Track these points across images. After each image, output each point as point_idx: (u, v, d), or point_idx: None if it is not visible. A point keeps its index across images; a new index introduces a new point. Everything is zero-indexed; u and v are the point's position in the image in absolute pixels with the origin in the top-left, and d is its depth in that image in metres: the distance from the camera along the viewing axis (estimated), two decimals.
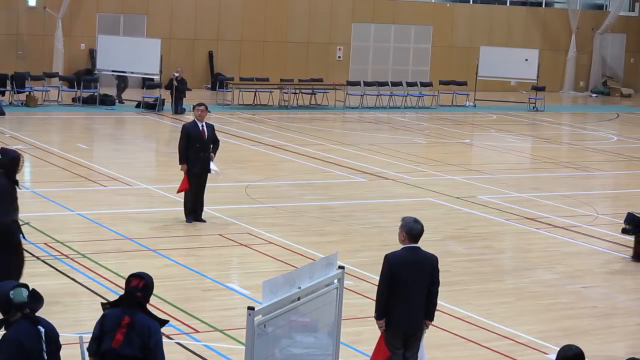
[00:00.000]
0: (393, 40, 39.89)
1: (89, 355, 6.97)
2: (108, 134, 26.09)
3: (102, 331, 6.95)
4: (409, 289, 8.59)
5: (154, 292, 11.57)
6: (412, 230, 8.61)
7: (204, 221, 15.49)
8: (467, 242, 15.19)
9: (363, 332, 10.30)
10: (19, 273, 10.85)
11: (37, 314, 6.61)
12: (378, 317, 8.69)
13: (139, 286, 6.96)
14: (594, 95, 42.64)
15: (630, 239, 15.83)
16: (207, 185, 15.63)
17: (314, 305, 6.52)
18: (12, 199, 10.98)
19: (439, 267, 8.77)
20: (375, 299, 8.76)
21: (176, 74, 29.53)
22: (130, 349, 6.84)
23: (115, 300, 7.07)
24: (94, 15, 34.97)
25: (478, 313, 11.80)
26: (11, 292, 6.52)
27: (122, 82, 31.96)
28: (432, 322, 8.94)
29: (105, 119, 28.74)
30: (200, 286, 12.30)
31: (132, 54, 30.66)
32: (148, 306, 7.05)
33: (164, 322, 7.11)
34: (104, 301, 7.32)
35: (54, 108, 29.64)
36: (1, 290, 6.55)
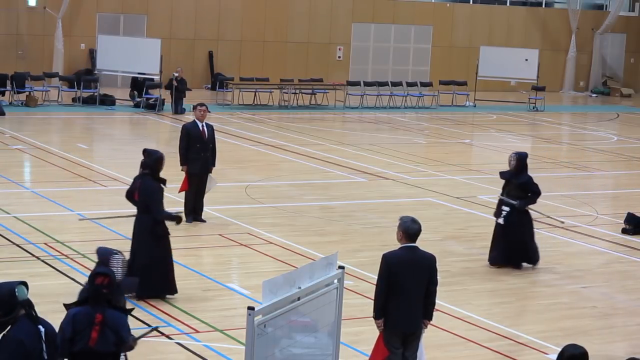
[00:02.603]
0: (393, 40, 39.89)
1: (60, 356, 6.93)
2: (108, 134, 26.09)
3: (74, 331, 6.95)
4: (407, 288, 8.59)
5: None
6: (408, 229, 8.63)
7: (204, 221, 15.48)
8: (467, 242, 15.19)
9: (363, 332, 10.30)
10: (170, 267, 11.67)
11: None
12: (376, 316, 8.70)
13: (104, 283, 6.97)
14: (594, 95, 42.63)
15: (630, 239, 15.86)
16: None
17: (314, 305, 6.52)
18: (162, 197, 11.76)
19: (437, 266, 8.78)
20: (373, 298, 8.78)
21: (176, 74, 29.52)
22: (106, 345, 6.88)
23: (81, 300, 7.08)
24: (94, 15, 34.97)
25: (478, 313, 11.80)
26: (16, 288, 6.54)
27: (134, 87, 31.82)
28: (431, 322, 8.95)
29: (105, 119, 28.75)
30: (200, 286, 12.29)
31: (132, 54, 30.66)
32: (142, 302, 7.10)
33: (129, 311, 7.18)
34: (66, 302, 7.30)
35: (54, 108, 29.64)
36: (7, 287, 6.55)
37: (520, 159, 13.79)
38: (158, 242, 11.65)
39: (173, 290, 11.63)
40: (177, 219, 11.88)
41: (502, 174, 14.04)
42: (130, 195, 11.97)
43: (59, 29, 33.68)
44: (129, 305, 8.02)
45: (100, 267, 7.31)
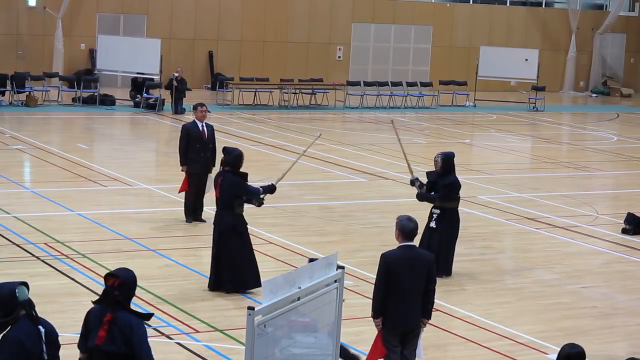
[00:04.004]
0: (393, 40, 39.89)
1: (80, 352, 7.00)
2: (108, 134, 26.10)
3: (87, 328, 6.99)
4: (405, 287, 8.61)
5: (155, 292, 11.68)
6: (404, 228, 8.68)
7: (204, 221, 15.48)
8: (467, 242, 15.18)
9: (363, 332, 10.30)
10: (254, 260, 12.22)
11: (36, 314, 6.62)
12: (375, 315, 8.72)
13: (115, 285, 6.97)
14: (594, 95, 42.64)
15: (631, 239, 15.87)
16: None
17: (314, 305, 6.51)
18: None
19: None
20: (372, 297, 8.79)
21: (176, 74, 29.52)
22: (114, 345, 6.87)
23: (99, 297, 7.10)
24: (94, 15, 34.98)
25: (478, 313, 11.80)
26: (16, 289, 6.54)
27: (134, 88, 31.82)
28: (430, 321, 8.96)
29: (105, 119, 28.75)
30: (200, 286, 12.29)
31: (132, 54, 30.66)
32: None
33: (147, 317, 7.10)
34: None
35: (54, 108, 29.64)
36: (7, 288, 6.55)
37: (446, 160, 13.24)
38: (241, 237, 12.02)
39: (259, 283, 11.84)
40: (272, 189, 12.47)
41: (429, 175, 13.47)
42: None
43: (59, 29, 33.68)
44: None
45: (115, 270, 7.26)
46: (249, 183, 12.31)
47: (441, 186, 13.19)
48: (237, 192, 12.05)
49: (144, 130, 27.45)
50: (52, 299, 11.26)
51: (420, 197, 13.37)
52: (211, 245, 12.31)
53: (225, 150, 12.32)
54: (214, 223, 12.24)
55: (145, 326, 7.02)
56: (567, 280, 13.54)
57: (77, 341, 7.15)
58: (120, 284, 6.96)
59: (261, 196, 12.35)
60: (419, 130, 29.07)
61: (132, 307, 7.07)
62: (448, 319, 11.44)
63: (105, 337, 6.87)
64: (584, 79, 43.47)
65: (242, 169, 12.31)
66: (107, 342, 6.87)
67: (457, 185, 13.32)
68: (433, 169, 13.50)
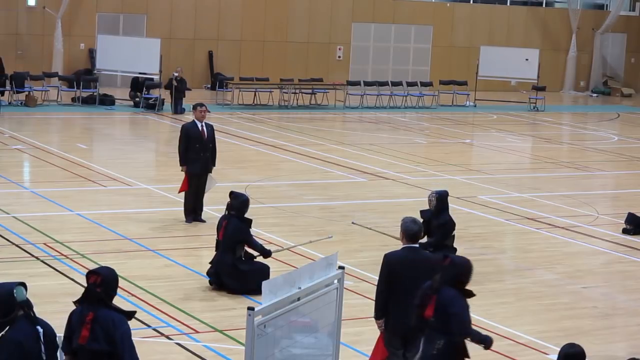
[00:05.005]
0: (393, 40, 39.88)
1: (65, 354, 6.99)
2: (108, 134, 26.08)
3: (70, 329, 6.98)
4: (407, 288, 8.57)
5: (155, 292, 11.66)
6: (408, 230, 8.67)
7: (204, 221, 15.47)
8: (467, 242, 15.15)
9: (363, 332, 10.28)
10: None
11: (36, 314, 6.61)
12: (377, 317, 8.69)
13: (97, 282, 6.96)
14: (595, 95, 42.62)
15: (631, 239, 15.85)
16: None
17: (314, 305, 6.50)
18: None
19: None
20: (374, 298, 8.76)
21: (176, 74, 29.50)
22: (97, 343, 6.86)
23: (79, 297, 7.08)
24: (94, 15, 34.96)
25: (478, 313, 11.74)
26: (14, 289, 6.52)
27: (134, 88, 31.77)
28: None
29: (105, 119, 28.73)
30: (200, 286, 12.28)
31: (132, 54, 30.63)
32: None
33: (130, 314, 7.09)
34: (63, 302, 7.33)
35: (54, 108, 29.62)
36: (5, 288, 6.54)
37: (441, 199, 12.86)
38: (243, 276, 12.07)
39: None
40: (268, 253, 12.46)
41: (423, 213, 12.92)
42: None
43: (59, 28, 33.66)
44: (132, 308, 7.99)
45: (96, 268, 7.28)
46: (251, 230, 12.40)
47: (435, 227, 12.81)
48: (241, 238, 12.19)
49: (144, 130, 27.43)
50: (52, 299, 11.24)
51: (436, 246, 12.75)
52: (208, 266, 12.35)
53: (233, 194, 12.40)
54: (211, 263, 12.27)
55: (129, 323, 6.99)
56: (567, 280, 13.52)
57: None
58: (102, 281, 6.95)
59: (255, 253, 12.41)
60: (419, 130, 29.07)
61: (139, 311, 7.05)
62: None
63: (89, 336, 6.85)
64: (584, 79, 43.46)
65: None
66: (91, 341, 6.86)
67: (451, 225, 12.97)
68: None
